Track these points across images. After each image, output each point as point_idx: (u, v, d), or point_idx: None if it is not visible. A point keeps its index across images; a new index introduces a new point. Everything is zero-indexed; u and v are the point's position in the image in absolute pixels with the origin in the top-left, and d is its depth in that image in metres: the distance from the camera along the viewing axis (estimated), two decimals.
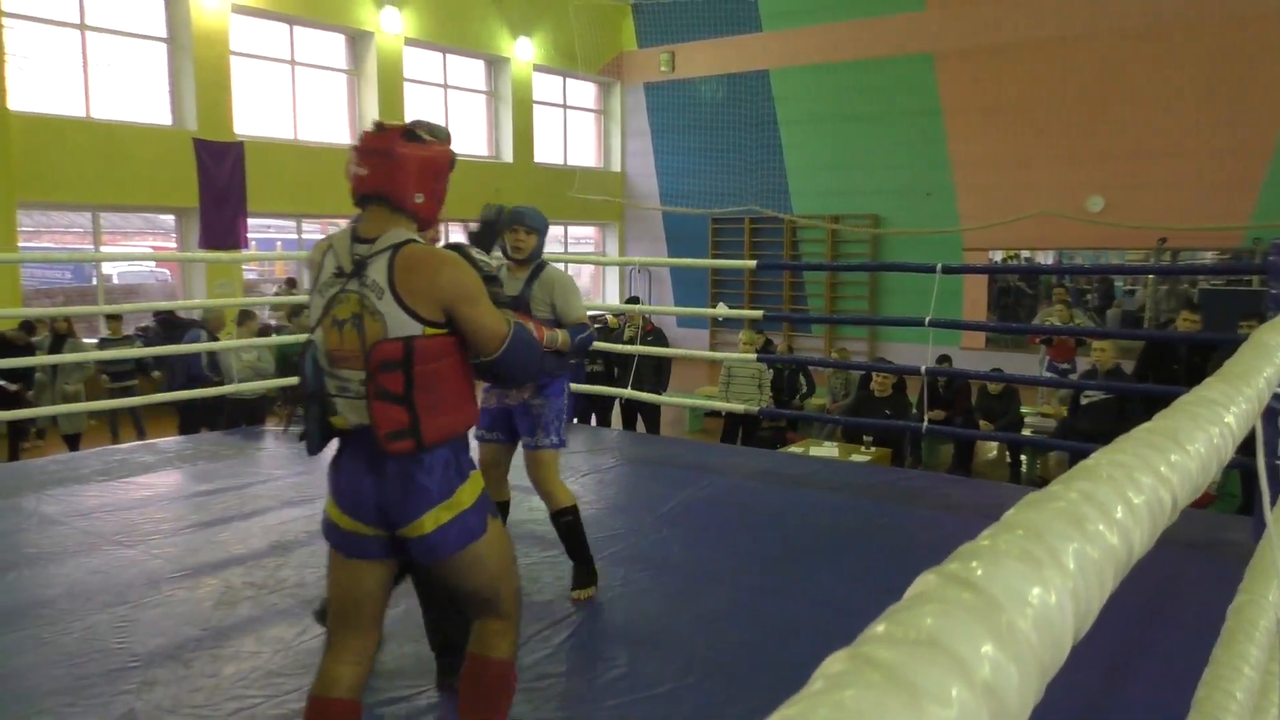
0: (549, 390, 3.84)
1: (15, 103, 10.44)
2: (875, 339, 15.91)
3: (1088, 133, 13.68)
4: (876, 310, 15.90)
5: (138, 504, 5.09)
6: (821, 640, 3.38)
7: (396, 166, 2.19)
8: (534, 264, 3.82)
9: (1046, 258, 14.88)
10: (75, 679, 3.16)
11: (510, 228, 3.75)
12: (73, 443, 8.53)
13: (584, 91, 19.07)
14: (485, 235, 2.92)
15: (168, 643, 3.37)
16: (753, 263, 7.83)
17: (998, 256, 14.88)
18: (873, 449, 7.65)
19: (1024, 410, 8.75)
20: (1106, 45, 13.55)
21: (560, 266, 4.00)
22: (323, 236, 2.41)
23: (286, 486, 5.51)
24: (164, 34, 12.21)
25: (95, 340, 9.84)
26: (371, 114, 14.50)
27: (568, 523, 3.85)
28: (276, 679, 3.16)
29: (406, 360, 2.14)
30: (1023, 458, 8.73)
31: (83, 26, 11.42)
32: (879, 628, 0.34)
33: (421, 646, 3.33)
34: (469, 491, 2.26)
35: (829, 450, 7.55)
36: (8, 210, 10.36)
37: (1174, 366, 6.77)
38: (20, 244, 10.73)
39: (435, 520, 2.19)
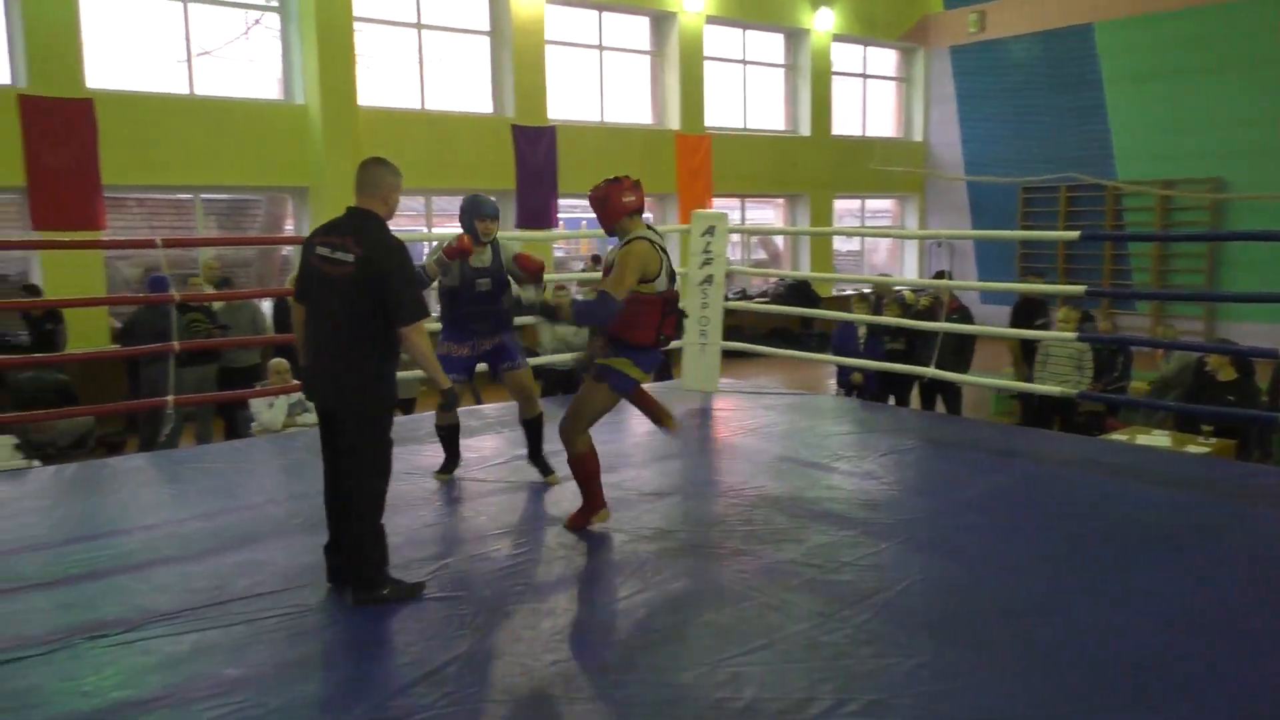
0: (510, 327, 5.19)
1: (364, 99, 11.65)
2: (1213, 318, 14.32)
3: None
4: (1215, 285, 14.28)
5: (463, 465, 5.55)
6: (1144, 647, 3.11)
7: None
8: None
9: None
10: (417, 620, 3.50)
11: (481, 218, 4.90)
12: (407, 407, 9.42)
13: (884, 59, 18.49)
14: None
15: (492, 595, 3.65)
16: (1075, 234, 7.27)
17: None
18: (1213, 439, 6.88)
19: None
20: None
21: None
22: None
23: None
24: (486, 27, 13.16)
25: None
26: (673, 94, 14.87)
27: (540, 425, 5.13)
28: (587, 636, 3.35)
29: None
30: None
31: (419, 25, 12.55)
32: None
33: (718, 615, 3.42)
34: None
35: (1159, 439, 6.87)
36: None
37: None
38: None
39: None
